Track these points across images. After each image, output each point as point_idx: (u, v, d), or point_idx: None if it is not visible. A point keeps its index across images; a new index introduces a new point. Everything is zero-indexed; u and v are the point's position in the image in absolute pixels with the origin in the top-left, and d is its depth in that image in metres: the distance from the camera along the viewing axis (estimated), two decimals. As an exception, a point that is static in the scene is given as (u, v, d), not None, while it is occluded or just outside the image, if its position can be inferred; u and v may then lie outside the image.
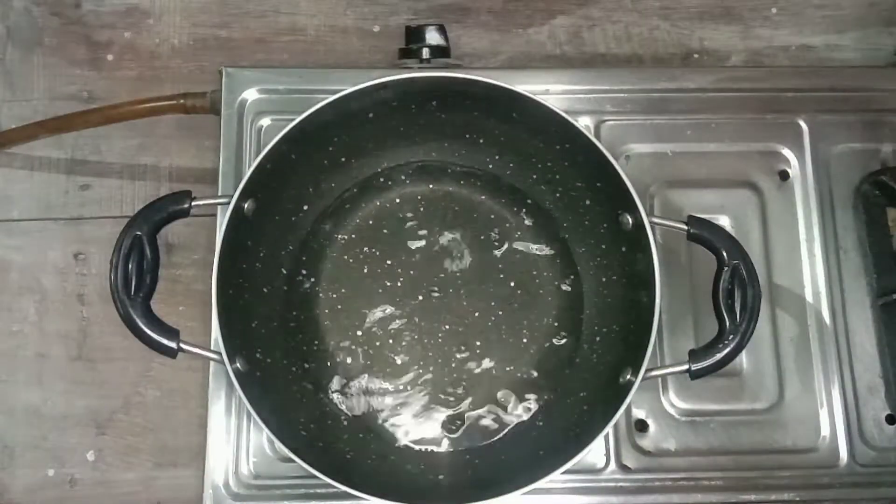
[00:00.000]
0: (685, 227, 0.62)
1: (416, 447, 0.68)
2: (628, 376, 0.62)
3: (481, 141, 0.72)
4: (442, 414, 0.69)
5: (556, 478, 0.60)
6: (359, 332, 0.70)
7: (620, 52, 0.82)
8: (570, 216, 0.72)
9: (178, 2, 0.82)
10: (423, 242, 0.72)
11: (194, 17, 0.82)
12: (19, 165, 0.77)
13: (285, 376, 0.68)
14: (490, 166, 0.73)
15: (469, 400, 0.69)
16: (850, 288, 0.73)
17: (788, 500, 0.68)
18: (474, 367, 0.70)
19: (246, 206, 0.64)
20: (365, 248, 0.72)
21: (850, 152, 0.75)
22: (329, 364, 0.69)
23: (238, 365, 0.62)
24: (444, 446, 0.68)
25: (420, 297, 0.71)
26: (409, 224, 0.72)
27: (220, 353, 0.60)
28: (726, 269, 0.61)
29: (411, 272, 0.71)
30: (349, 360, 0.70)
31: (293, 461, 0.59)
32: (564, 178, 0.71)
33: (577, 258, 0.71)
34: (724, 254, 0.62)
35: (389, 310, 0.71)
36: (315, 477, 0.59)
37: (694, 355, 0.61)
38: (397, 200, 0.73)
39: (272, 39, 0.81)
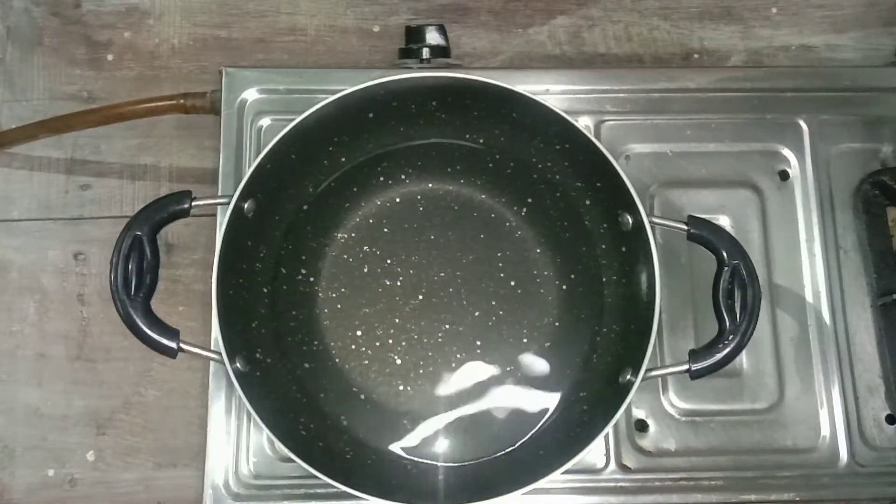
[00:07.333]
0: (685, 227, 0.63)
1: (417, 447, 0.68)
2: (628, 376, 0.62)
3: (481, 141, 0.72)
4: (442, 414, 0.69)
5: (556, 478, 0.60)
6: (359, 332, 0.70)
7: (620, 52, 0.82)
8: (570, 216, 0.72)
9: (178, 2, 0.82)
10: (423, 242, 0.72)
11: (194, 17, 0.82)
12: (19, 165, 0.77)
13: (285, 376, 0.68)
14: (490, 166, 0.73)
15: (469, 399, 0.69)
16: (850, 288, 0.73)
17: (788, 500, 0.68)
18: (474, 367, 0.70)
19: (246, 206, 0.64)
20: (365, 248, 0.72)
21: (850, 152, 0.76)
22: (329, 364, 0.69)
23: (238, 365, 0.62)
24: (445, 446, 0.68)
25: (420, 297, 0.71)
26: (409, 223, 0.72)
27: (220, 353, 0.60)
28: (726, 269, 0.61)
29: (411, 272, 0.71)
30: (349, 360, 0.70)
31: (293, 461, 0.59)
32: (564, 178, 0.71)
33: (578, 258, 0.71)
34: (724, 254, 0.62)
35: (389, 309, 0.71)
36: (315, 477, 0.59)
37: (694, 355, 0.61)
38: (397, 200, 0.73)
39: (272, 39, 0.81)
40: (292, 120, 0.65)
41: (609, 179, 0.65)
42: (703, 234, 0.63)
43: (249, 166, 0.64)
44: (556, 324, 0.71)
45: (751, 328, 0.60)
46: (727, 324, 0.61)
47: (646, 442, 0.69)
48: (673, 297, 0.71)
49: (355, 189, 0.72)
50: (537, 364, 0.70)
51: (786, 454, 0.69)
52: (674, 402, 0.70)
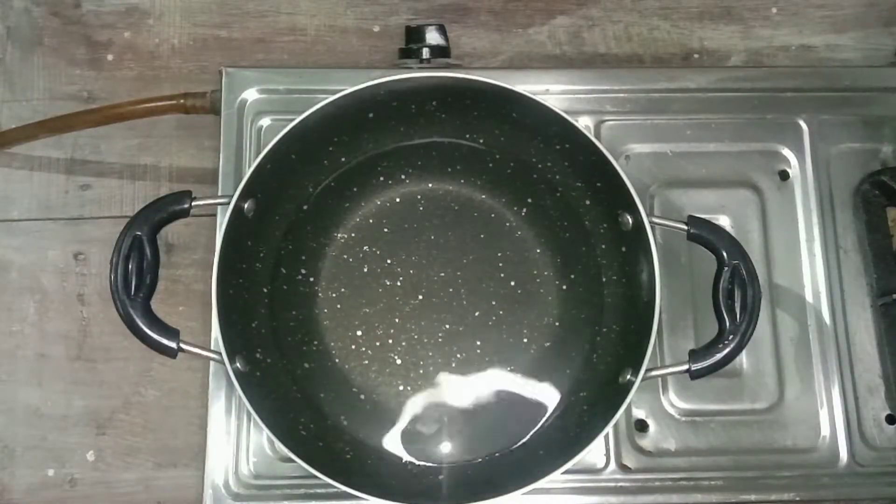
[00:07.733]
0: (685, 227, 0.63)
1: (417, 447, 0.68)
2: (628, 376, 0.62)
3: (481, 141, 0.72)
4: (442, 414, 0.69)
5: (556, 478, 0.60)
6: (359, 332, 0.70)
7: (620, 52, 0.82)
8: (570, 216, 0.72)
9: (178, 2, 0.82)
10: (423, 242, 0.72)
11: (194, 17, 0.82)
12: (19, 165, 0.78)
13: (285, 376, 0.68)
14: (490, 166, 0.73)
15: (469, 400, 0.69)
16: (850, 288, 0.73)
17: (788, 500, 0.68)
18: (474, 367, 0.70)
19: (246, 206, 0.64)
20: (365, 248, 0.72)
21: (850, 152, 0.76)
22: (329, 364, 0.69)
23: (238, 365, 0.62)
24: (445, 446, 0.68)
25: (420, 297, 0.71)
26: (409, 223, 0.72)
27: (220, 353, 0.60)
28: (726, 269, 0.61)
29: (411, 272, 0.71)
30: (349, 360, 0.70)
31: (293, 461, 0.59)
32: (564, 178, 0.71)
33: (577, 258, 0.71)
34: (724, 254, 0.62)
35: (389, 309, 0.71)
36: (315, 477, 0.59)
37: (694, 355, 0.61)
38: (397, 200, 0.73)
39: (272, 39, 0.81)
40: (292, 120, 0.65)
41: (609, 179, 0.65)
42: (703, 234, 0.63)
43: (249, 166, 0.64)
44: (556, 324, 0.71)
45: (751, 328, 0.60)
46: (727, 324, 0.61)
47: (646, 442, 0.69)
48: (673, 297, 0.71)
49: (355, 189, 0.72)
50: (537, 364, 0.70)
51: (786, 454, 0.69)
52: (674, 402, 0.70)
